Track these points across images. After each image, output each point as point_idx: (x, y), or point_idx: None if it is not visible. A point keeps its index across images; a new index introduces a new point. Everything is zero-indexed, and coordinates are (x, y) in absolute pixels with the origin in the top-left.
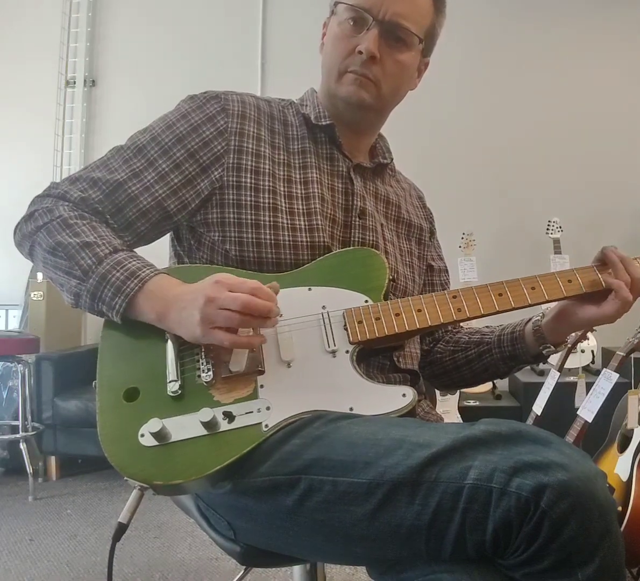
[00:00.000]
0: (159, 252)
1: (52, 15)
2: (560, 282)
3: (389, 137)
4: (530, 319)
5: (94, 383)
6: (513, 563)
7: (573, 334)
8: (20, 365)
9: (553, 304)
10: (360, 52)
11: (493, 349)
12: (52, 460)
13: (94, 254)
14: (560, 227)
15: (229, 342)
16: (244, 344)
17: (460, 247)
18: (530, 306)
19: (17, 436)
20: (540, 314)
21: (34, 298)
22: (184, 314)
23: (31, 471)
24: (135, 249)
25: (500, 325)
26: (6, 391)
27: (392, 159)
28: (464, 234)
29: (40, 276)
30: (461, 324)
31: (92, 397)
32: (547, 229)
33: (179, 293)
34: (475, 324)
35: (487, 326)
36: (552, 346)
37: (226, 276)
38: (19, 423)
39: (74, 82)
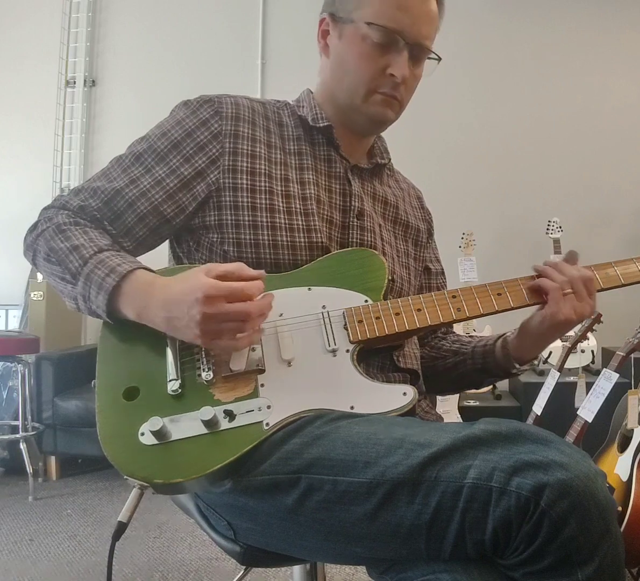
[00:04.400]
0: (159, 254)
1: (52, 15)
2: None
3: (389, 137)
4: (503, 335)
5: (93, 383)
6: (513, 562)
7: (573, 333)
8: (20, 365)
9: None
10: (392, 75)
11: (467, 360)
12: (52, 460)
13: (80, 257)
14: (560, 227)
15: (233, 348)
16: (246, 344)
17: (460, 247)
18: (528, 305)
19: (17, 436)
20: (514, 330)
21: (34, 298)
22: (177, 323)
23: (31, 471)
24: (138, 258)
25: (488, 336)
26: (6, 391)
27: (390, 159)
28: (464, 234)
29: (40, 276)
30: (452, 327)
31: (92, 397)
32: (547, 229)
33: (165, 297)
34: (475, 323)
35: (470, 335)
36: (518, 365)
37: (214, 288)
38: (19, 423)
39: (74, 82)
